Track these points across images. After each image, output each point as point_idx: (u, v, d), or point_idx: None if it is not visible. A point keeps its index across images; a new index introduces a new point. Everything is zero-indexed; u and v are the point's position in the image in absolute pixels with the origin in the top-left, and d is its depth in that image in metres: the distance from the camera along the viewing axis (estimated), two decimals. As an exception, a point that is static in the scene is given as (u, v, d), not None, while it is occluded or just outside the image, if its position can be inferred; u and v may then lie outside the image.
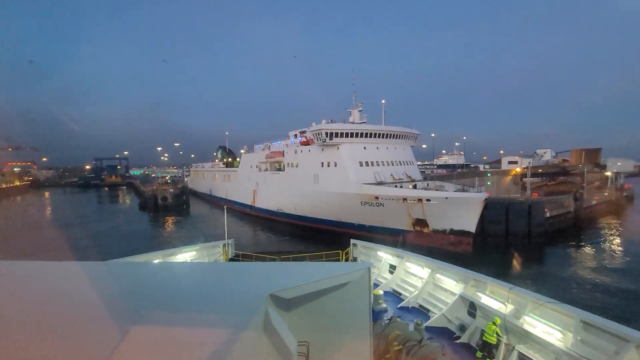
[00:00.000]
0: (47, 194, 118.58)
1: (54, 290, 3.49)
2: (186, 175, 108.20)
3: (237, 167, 66.00)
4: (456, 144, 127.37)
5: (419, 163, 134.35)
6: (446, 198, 31.19)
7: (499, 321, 8.30)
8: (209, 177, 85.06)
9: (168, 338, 2.57)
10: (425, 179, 49.38)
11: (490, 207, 37.60)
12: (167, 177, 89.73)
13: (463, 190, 33.92)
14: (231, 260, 16.32)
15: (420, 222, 33.70)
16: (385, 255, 14.35)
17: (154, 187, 70.45)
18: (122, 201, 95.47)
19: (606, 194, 54.01)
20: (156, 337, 2.58)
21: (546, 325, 7.75)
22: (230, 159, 79.69)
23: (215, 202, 76.14)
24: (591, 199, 49.01)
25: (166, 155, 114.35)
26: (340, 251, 16.20)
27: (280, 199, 48.41)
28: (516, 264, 31.57)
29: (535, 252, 34.73)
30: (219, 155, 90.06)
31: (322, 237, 39.18)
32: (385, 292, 12.09)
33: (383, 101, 43.11)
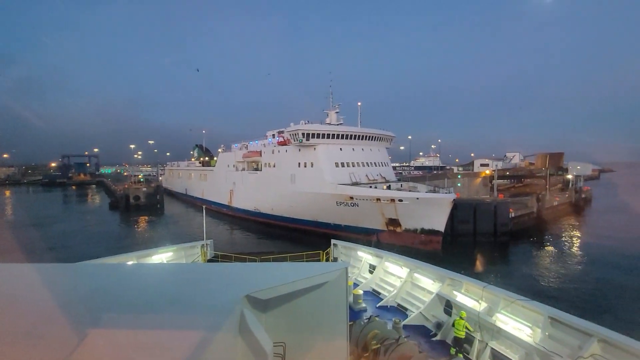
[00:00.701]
0: (7, 192, 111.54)
1: (13, 294, 3.37)
2: (161, 174, 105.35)
3: (214, 166, 65.21)
4: (432, 146, 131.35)
5: (396, 164, 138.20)
6: (417, 198, 32.47)
7: (464, 314, 8.64)
8: (184, 176, 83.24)
9: (131, 342, 2.50)
10: (400, 180, 51.01)
11: (459, 208, 39.49)
12: (140, 176, 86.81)
13: (434, 192, 35.39)
14: (209, 261, 16.11)
15: (393, 222, 34.86)
16: (365, 256, 14.52)
17: (126, 186, 68.12)
18: (91, 200, 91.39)
19: (566, 195, 57.79)
20: (118, 340, 2.51)
21: (517, 321, 8.06)
22: (207, 158, 78.44)
23: (191, 201, 74.71)
24: (552, 200, 52.31)
25: (140, 153, 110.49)
26: (321, 252, 16.33)
27: (257, 199, 48.38)
28: (482, 260, 33.36)
29: (500, 249, 36.78)
30: (196, 154, 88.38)
31: (301, 237, 39.71)
32: (365, 292, 12.27)
33: (359, 104, 44.18)
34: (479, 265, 31.94)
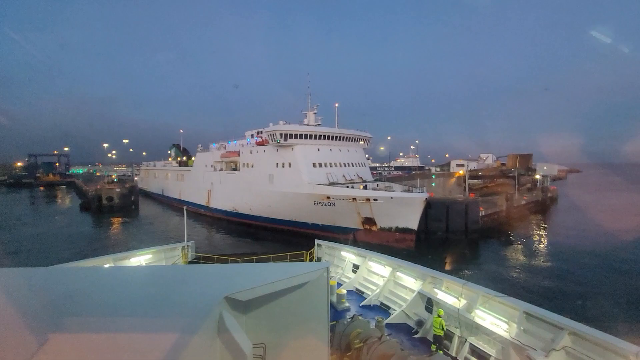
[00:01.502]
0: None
1: None
2: (136, 174, 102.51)
3: (192, 166, 64.35)
4: (411, 147, 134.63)
5: (377, 165, 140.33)
6: (391, 198, 33.56)
7: (442, 312, 8.86)
8: (161, 177, 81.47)
9: (102, 345, 2.47)
10: (379, 180, 52.25)
11: (433, 207, 41.04)
12: (113, 176, 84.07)
13: (408, 191, 36.66)
14: (190, 263, 15.93)
15: (369, 221, 35.83)
16: (348, 255, 14.65)
17: (99, 187, 65.96)
18: (60, 202, 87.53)
19: (534, 195, 61.04)
20: (86, 344, 2.47)
21: (494, 317, 8.31)
22: (184, 158, 77.14)
23: (167, 202, 73.44)
24: (521, 199, 55.18)
25: (114, 152, 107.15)
26: (304, 252, 16.39)
27: (235, 199, 48.23)
28: (453, 257, 34.88)
29: (471, 246, 38.57)
30: (173, 154, 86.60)
31: (285, 237, 40.00)
32: (349, 291, 12.42)
33: (336, 105, 44.94)
34: (449, 262, 33.38)
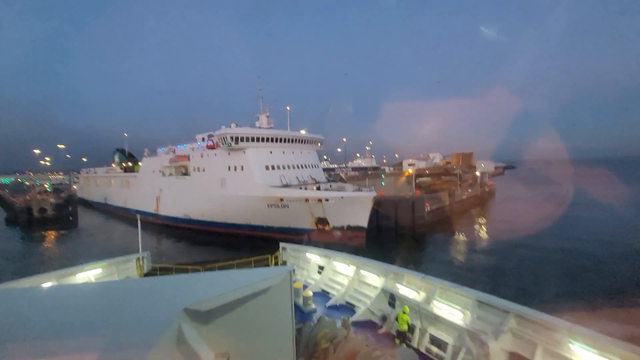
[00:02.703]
0: None
1: None
2: (75, 182, 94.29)
3: (138, 172, 61.03)
4: (367, 147, 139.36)
5: (335, 166, 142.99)
6: (342, 197, 34.97)
7: (407, 309, 9.16)
8: (103, 184, 75.91)
9: None
10: (334, 180, 53.83)
11: (383, 205, 43.40)
12: (46, 185, 76.27)
13: (358, 191, 38.41)
14: (147, 275, 15.09)
15: (322, 221, 36.93)
16: (313, 257, 14.66)
17: (28, 197, 59.62)
18: (-20, 216, 77.40)
19: (473, 190, 66.99)
20: None
21: (450, 307, 8.75)
22: (130, 164, 72.73)
23: (111, 211, 68.78)
24: (462, 194, 60.24)
25: (47, 159, 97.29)
26: (269, 255, 16.13)
27: (186, 205, 46.73)
28: (401, 250, 37.26)
29: (418, 240, 41.47)
30: (117, 159, 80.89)
31: (238, 241, 39.57)
32: (315, 293, 12.43)
33: (288, 108, 45.68)
34: (397, 255, 35.63)
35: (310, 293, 11.75)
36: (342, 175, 75.52)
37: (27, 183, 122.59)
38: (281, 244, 16.27)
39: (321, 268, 14.02)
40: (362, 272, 12.07)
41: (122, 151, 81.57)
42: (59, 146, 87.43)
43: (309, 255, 14.96)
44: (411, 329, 9.21)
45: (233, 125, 42.37)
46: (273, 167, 41.04)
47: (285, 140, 43.21)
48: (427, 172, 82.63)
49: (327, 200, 35.23)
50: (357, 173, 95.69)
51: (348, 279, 12.45)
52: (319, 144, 49.24)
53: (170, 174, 51.05)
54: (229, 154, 41.19)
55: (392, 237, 42.12)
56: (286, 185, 39.95)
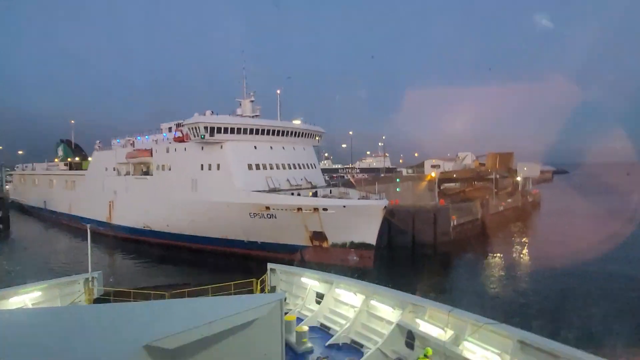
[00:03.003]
0: None
1: None
2: (7, 182, 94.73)
3: (87, 169, 61.57)
4: (380, 144, 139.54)
5: (339, 167, 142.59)
6: (344, 206, 35.00)
7: (430, 352, 9.14)
8: (43, 184, 76.46)
9: None
10: (335, 185, 53.88)
11: (397, 216, 43.52)
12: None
13: (366, 198, 38.46)
14: (97, 301, 15.17)
15: (319, 236, 36.95)
16: (310, 282, 14.59)
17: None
18: None
19: (513, 200, 67.15)
20: None
21: (485, 349, 8.71)
22: (77, 159, 73.40)
23: (52, 218, 69.31)
24: (498, 205, 60.37)
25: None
26: (254, 279, 16.24)
27: (147, 213, 46.86)
28: (420, 275, 37.20)
29: (441, 263, 41.42)
30: (62, 153, 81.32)
31: (211, 260, 39.95)
32: (312, 328, 12.41)
33: (278, 91, 45.73)
34: (414, 281, 35.52)
35: (306, 328, 11.77)
36: (351, 179, 75.58)
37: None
38: (269, 265, 16.21)
39: (320, 296, 14.00)
40: (373, 302, 12.09)
41: (67, 142, 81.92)
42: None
43: (304, 279, 14.94)
44: None
45: (208, 112, 42.38)
46: (258, 167, 41.14)
47: (274, 132, 43.29)
48: (454, 175, 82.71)
49: (325, 209, 35.25)
50: (366, 175, 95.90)
51: (354, 311, 12.43)
52: (318, 138, 49.39)
53: (128, 173, 51.26)
54: (202, 148, 41.27)
55: (408, 257, 42.18)
56: (274, 190, 40.02)
